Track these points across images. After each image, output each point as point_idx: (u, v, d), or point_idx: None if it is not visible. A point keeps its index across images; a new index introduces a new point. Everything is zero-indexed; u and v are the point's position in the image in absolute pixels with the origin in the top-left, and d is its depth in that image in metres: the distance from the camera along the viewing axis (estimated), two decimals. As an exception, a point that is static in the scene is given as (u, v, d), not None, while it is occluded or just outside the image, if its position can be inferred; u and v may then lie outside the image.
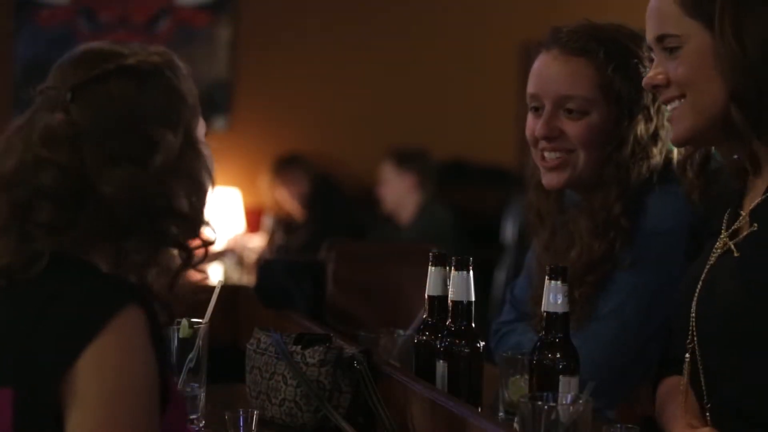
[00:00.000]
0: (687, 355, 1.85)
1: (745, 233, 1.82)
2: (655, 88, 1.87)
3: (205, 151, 1.62)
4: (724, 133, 1.82)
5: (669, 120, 1.91)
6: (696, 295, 1.84)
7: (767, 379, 1.76)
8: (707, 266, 1.85)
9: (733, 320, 1.78)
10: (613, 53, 2.18)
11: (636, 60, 2.18)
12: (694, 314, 1.84)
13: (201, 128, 1.64)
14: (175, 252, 1.56)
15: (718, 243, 1.85)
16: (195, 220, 1.58)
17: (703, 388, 1.84)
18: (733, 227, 1.84)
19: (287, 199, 6.10)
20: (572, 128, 2.17)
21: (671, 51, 1.82)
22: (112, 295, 1.46)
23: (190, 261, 1.57)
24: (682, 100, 1.83)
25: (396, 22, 6.61)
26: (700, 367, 1.84)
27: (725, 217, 1.87)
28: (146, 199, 1.52)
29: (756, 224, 1.80)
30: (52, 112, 1.52)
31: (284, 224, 5.87)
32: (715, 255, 1.85)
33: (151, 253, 1.54)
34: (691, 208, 2.03)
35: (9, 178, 1.51)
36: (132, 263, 1.52)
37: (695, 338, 1.84)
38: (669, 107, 1.87)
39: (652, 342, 2.09)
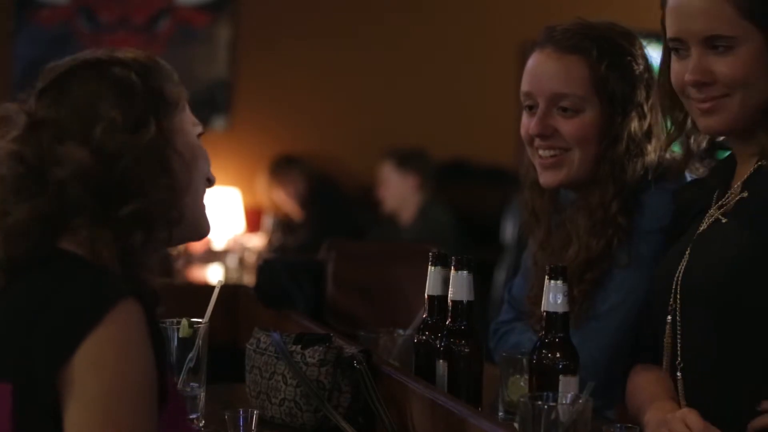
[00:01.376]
0: (668, 321, 1.88)
1: (735, 200, 1.86)
2: (697, 85, 1.87)
3: (191, 145, 1.64)
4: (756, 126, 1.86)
5: (706, 111, 1.88)
6: (682, 265, 1.87)
7: (744, 347, 1.80)
8: (696, 234, 1.89)
9: (719, 283, 1.81)
10: (606, 51, 2.18)
11: (629, 58, 2.19)
12: (679, 284, 1.87)
13: (188, 124, 1.66)
14: (140, 233, 1.55)
15: (705, 218, 1.89)
16: (166, 215, 1.57)
17: (679, 358, 1.87)
18: (720, 202, 1.89)
19: (285, 200, 6.10)
20: (566, 126, 2.18)
21: (721, 50, 1.84)
22: (108, 289, 1.47)
23: (153, 237, 1.55)
24: (726, 98, 1.85)
25: (396, 23, 6.61)
26: (679, 339, 1.86)
27: (714, 195, 1.90)
28: (96, 179, 1.51)
29: (746, 192, 1.84)
30: (17, 118, 1.56)
31: (283, 224, 5.87)
32: (702, 227, 1.89)
33: (116, 236, 1.53)
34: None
35: None
36: (103, 247, 1.51)
37: (677, 309, 1.87)
38: (706, 102, 1.87)
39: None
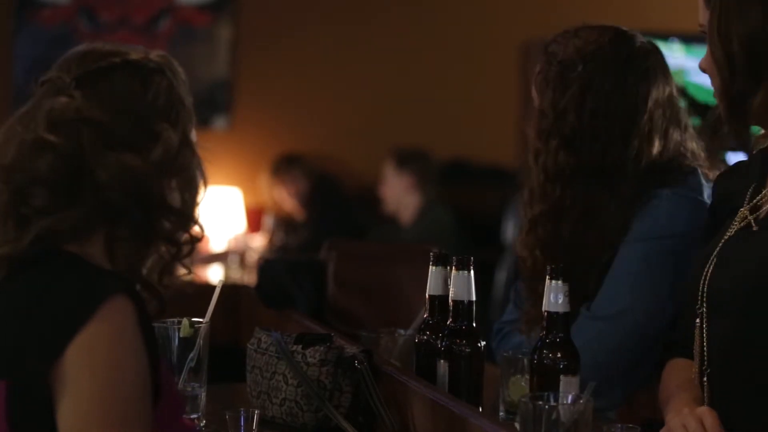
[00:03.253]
0: (696, 326, 1.87)
1: (766, 208, 1.84)
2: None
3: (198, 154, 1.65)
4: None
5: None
6: (711, 265, 1.86)
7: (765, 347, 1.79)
8: (725, 237, 1.87)
9: (744, 293, 1.80)
10: None
11: None
12: (706, 285, 1.86)
13: (194, 133, 1.66)
14: (164, 246, 1.58)
15: (737, 216, 1.88)
16: (186, 216, 1.60)
17: (705, 364, 1.86)
18: (754, 201, 1.87)
19: (286, 199, 6.10)
20: None
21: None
22: (100, 284, 1.48)
23: (179, 255, 1.59)
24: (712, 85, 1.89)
25: (396, 22, 6.61)
26: (705, 339, 1.86)
27: (749, 192, 1.89)
28: (141, 189, 1.54)
29: None
30: (55, 97, 1.54)
31: (285, 224, 5.86)
32: (734, 228, 1.87)
33: (142, 245, 1.56)
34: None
35: (8, 166, 1.53)
36: (123, 254, 1.54)
37: (704, 309, 1.86)
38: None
39: (657, 344, 2.09)
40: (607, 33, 2.24)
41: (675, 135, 2.22)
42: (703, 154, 2.24)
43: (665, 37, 5.56)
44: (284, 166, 6.11)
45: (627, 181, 2.18)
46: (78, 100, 1.53)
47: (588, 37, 2.23)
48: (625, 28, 2.27)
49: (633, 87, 2.19)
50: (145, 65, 1.58)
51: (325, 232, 5.23)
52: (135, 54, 1.59)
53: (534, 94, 2.26)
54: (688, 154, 2.23)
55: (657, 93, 2.20)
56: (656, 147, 2.20)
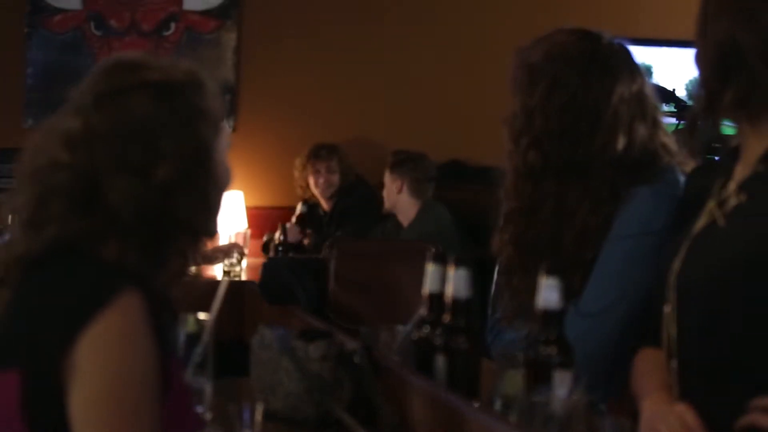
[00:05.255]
0: (666, 311, 1.92)
1: (732, 205, 1.89)
2: None
3: (223, 164, 1.66)
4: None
5: None
6: (680, 259, 1.91)
7: (735, 349, 1.83)
8: (693, 232, 1.92)
9: (714, 288, 1.85)
10: None
11: None
12: (675, 277, 1.91)
13: (224, 141, 1.67)
14: (176, 259, 1.61)
15: (705, 211, 1.93)
16: (199, 233, 1.63)
17: (674, 349, 1.90)
18: (721, 197, 1.92)
19: (317, 186, 5.93)
20: None
21: None
22: (112, 278, 1.51)
23: (186, 268, 1.63)
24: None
25: (396, 26, 6.63)
26: (674, 328, 1.90)
27: (717, 186, 1.94)
28: (148, 211, 1.56)
29: (743, 196, 1.88)
30: (74, 116, 1.58)
31: (281, 225, 5.80)
32: (701, 222, 1.92)
33: (152, 259, 1.58)
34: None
35: (30, 175, 1.58)
36: (134, 265, 1.56)
37: (675, 300, 1.91)
38: None
39: None
40: (575, 34, 2.29)
41: (641, 130, 2.24)
42: (675, 149, 2.28)
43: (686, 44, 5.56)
44: (326, 153, 5.94)
45: (599, 177, 2.21)
46: (93, 121, 1.57)
47: (557, 39, 2.28)
48: (592, 29, 2.31)
49: (597, 83, 2.22)
50: (161, 85, 1.60)
51: (363, 231, 5.26)
52: (158, 73, 1.61)
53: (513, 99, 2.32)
54: (660, 150, 2.25)
55: (622, 89, 2.23)
56: (621, 142, 2.22)
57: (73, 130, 1.57)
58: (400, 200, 5.54)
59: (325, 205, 5.96)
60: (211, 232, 1.65)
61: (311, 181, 5.95)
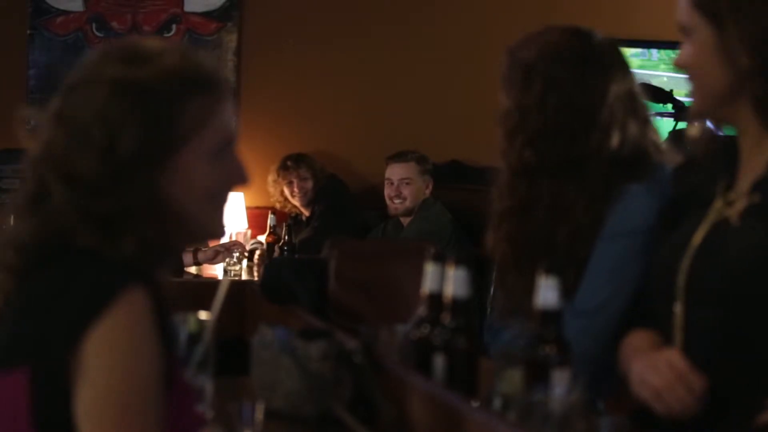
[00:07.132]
0: (675, 312, 1.92)
1: (745, 204, 1.89)
2: (677, 69, 1.96)
3: (227, 160, 1.67)
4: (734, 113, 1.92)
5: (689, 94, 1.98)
6: (690, 259, 1.91)
7: (746, 348, 1.85)
8: (703, 232, 1.92)
9: (732, 286, 1.85)
10: None
11: None
12: (686, 276, 1.90)
13: (225, 125, 1.69)
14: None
15: (712, 210, 1.92)
16: (199, 235, 1.63)
17: (685, 347, 1.90)
18: (729, 198, 1.92)
19: (293, 196, 6.04)
20: None
21: (686, 37, 1.93)
22: (117, 275, 1.51)
23: (171, 261, 1.63)
24: (690, 83, 1.94)
25: (396, 27, 6.64)
26: (681, 325, 1.91)
27: (719, 189, 1.94)
28: (118, 192, 1.54)
29: (757, 196, 1.88)
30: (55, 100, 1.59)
31: (290, 224, 5.84)
32: (708, 222, 1.92)
33: (152, 254, 1.57)
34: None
35: (37, 159, 1.57)
36: (135, 259, 1.55)
37: (685, 299, 1.90)
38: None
39: None
40: (567, 32, 2.30)
41: (633, 128, 2.25)
42: (664, 146, 2.29)
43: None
44: (293, 163, 6.05)
45: (593, 175, 2.22)
46: (63, 105, 1.56)
47: (549, 37, 2.29)
48: (583, 27, 2.33)
49: (592, 82, 2.24)
50: (129, 83, 1.56)
51: (330, 231, 5.25)
52: (142, 68, 1.57)
53: (501, 97, 2.33)
54: (650, 147, 2.27)
55: (616, 87, 2.25)
56: (615, 140, 2.23)
57: (50, 112, 1.57)
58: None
59: (306, 212, 6.02)
60: (216, 232, 1.65)
61: (287, 192, 6.03)
